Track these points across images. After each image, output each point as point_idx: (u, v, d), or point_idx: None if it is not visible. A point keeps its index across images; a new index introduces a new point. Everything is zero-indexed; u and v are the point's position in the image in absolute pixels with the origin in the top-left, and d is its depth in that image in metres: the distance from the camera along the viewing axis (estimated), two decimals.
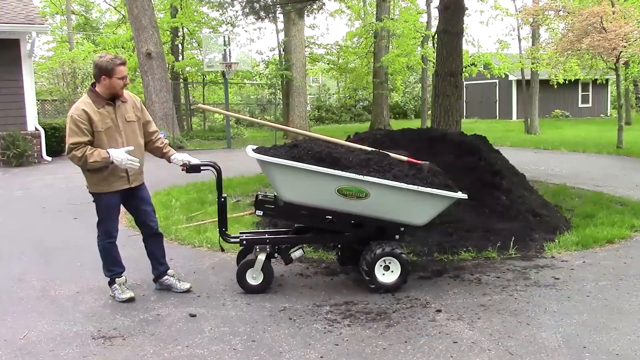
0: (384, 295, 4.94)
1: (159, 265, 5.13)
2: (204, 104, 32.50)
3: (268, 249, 5.04)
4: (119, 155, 4.56)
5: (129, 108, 4.80)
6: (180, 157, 4.98)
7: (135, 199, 4.93)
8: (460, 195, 5.01)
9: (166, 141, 5.17)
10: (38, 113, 16.67)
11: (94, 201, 4.82)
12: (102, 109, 4.62)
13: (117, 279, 4.90)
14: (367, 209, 4.91)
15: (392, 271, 5.00)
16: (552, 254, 6.20)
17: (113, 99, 4.70)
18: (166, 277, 5.12)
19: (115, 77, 4.61)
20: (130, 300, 4.82)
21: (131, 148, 4.67)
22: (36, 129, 15.16)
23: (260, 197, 5.17)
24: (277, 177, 4.85)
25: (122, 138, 4.69)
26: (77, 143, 4.51)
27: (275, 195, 5.11)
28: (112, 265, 4.90)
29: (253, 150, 5.08)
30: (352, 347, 3.96)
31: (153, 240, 5.11)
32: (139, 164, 4.70)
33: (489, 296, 4.93)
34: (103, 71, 4.60)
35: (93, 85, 4.70)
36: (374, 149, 5.31)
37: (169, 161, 5.04)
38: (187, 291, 5.06)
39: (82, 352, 3.93)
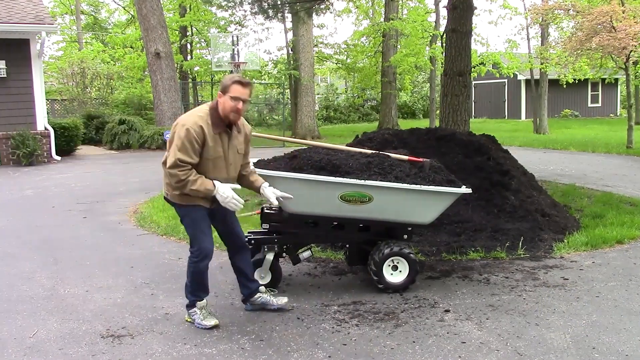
0: (392, 295, 4.93)
1: (249, 282, 4.61)
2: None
3: (276, 249, 5.05)
4: (225, 191, 4.10)
5: (241, 139, 4.34)
6: (271, 191, 4.44)
7: (220, 210, 4.31)
8: (464, 190, 5.00)
9: (253, 168, 4.66)
10: (47, 113, 16.77)
11: (181, 221, 4.37)
12: (217, 135, 4.12)
13: (198, 302, 4.36)
14: (372, 212, 4.89)
15: (400, 271, 4.99)
16: (561, 254, 6.18)
17: (229, 126, 4.20)
18: (259, 294, 4.63)
19: (228, 95, 4.10)
20: (215, 327, 4.27)
21: (238, 187, 4.29)
22: (46, 129, 15.25)
23: (265, 210, 5.16)
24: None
25: (227, 170, 4.24)
26: (185, 162, 3.99)
27: (279, 207, 5.11)
28: (199, 290, 4.36)
29: (253, 164, 5.05)
30: (360, 346, 3.96)
31: (242, 254, 4.61)
32: (242, 206, 4.21)
33: (498, 296, 4.91)
34: (222, 87, 4.15)
35: (217, 102, 4.20)
36: (374, 152, 5.28)
37: (258, 192, 4.56)
38: (283, 308, 4.62)
39: (90, 350, 3.95)
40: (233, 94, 4.09)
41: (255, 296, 4.62)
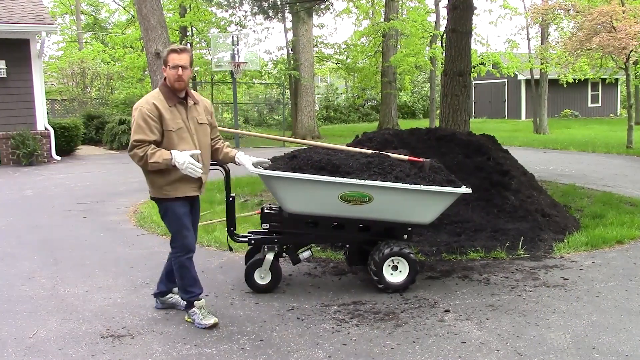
0: (392, 295, 4.93)
1: (169, 282, 4.65)
2: (212, 103, 32.57)
3: (276, 249, 5.05)
4: (181, 157, 4.11)
5: (200, 110, 4.40)
6: (247, 158, 4.60)
7: (193, 211, 4.48)
8: (464, 190, 5.00)
9: (227, 143, 4.77)
10: (47, 113, 16.77)
11: (162, 216, 4.38)
12: (174, 108, 4.22)
13: (196, 302, 4.37)
14: (372, 212, 4.90)
15: (400, 271, 4.99)
16: (561, 254, 6.18)
17: (186, 98, 4.30)
18: (171, 295, 4.73)
19: (168, 67, 4.20)
20: (215, 326, 4.29)
21: (198, 152, 4.25)
22: (46, 129, 15.25)
23: (265, 210, 5.17)
24: (279, 190, 4.83)
25: (194, 140, 4.29)
26: (141, 141, 4.09)
27: (279, 207, 5.11)
28: (191, 286, 4.37)
29: (253, 164, 5.06)
30: (360, 346, 3.96)
31: None
32: (200, 172, 4.21)
33: (498, 296, 4.91)
34: (162, 61, 4.24)
35: (165, 79, 4.30)
36: (374, 152, 5.29)
37: (234, 162, 4.66)
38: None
39: (91, 350, 3.95)
40: (171, 63, 4.20)
41: (167, 296, 4.71)
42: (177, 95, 4.27)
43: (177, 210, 4.30)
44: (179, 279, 4.40)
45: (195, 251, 4.43)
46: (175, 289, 4.73)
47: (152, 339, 4.12)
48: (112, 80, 25.81)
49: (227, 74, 26.94)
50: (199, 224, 7.40)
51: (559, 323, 4.33)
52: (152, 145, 4.14)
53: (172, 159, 4.13)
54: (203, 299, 4.44)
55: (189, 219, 4.39)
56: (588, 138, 21.05)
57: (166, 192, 4.28)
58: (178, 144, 4.21)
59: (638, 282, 5.27)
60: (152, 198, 4.43)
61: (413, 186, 4.84)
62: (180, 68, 4.20)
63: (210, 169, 5.03)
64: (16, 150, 14.45)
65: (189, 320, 4.40)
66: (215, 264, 5.97)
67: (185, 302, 4.45)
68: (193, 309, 4.37)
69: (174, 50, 4.23)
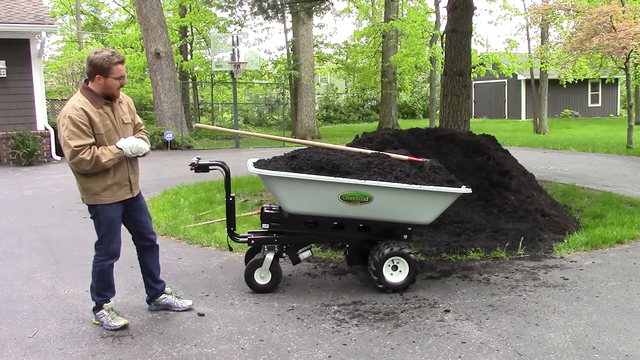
0: (392, 295, 4.93)
1: (155, 283, 4.64)
2: (212, 103, 32.60)
3: (276, 249, 5.05)
4: (128, 143, 4.16)
5: (125, 109, 4.35)
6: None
7: (134, 209, 4.44)
8: (464, 190, 4.99)
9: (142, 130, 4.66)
10: (48, 112, 16.75)
11: (92, 217, 4.30)
12: (101, 110, 4.13)
13: (105, 304, 4.34)
14: (372, 212, 4.89)
15: (400, 271, 4.99)
16: (561, 254, 6.18)
17: (109, 98, 4.22)
18: (164, 295, 4.68)
19: (111, 77, 4.09)
20: (125, 327, 4.28)
21: (133, 138, 4.26)
22: (46, 129, 15.25)
23: (265, 210, 5.17)
24: (279, 190, 4.83)
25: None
26: (82, 145, 3.98)
27: (279, 207, 5.11)
28: (105, 290, 4.35)
29: (253, 164, 5.06)
30: (360, 346, 3.95)
31: (150, 254, 4.60)
32: (148, 147, 4.30)
33: (498, 296, 4.91)
34: (98, 69, 4.06)
35: (86, 82, 4.18)
36: (374, 152, 5.29)
37: None
38: (189, 309, 4.64)
39: (91, 350, 3.95)
40: (119, 74, 4.13)
41: (160, 297, 4.65)
42: (102, 98, 4.18)
43: (110, 214, 4.25)
44: (94, 281, 4.34)
45: (119, 257, 4.37)
46: (168, 289, 4.72)
47: (152, 338, 4.12)
48: None
49: (227, 74, 26.97)
50: (199, 224, 7.45)
51: (559, 323, 4.33)
52: (94, 147, 4.05)
53: (122, 150, 4.13)
54: (112, 301, 4.40)
55: (119, 223, 4.35)
56: (588, 138, 21.05)
57: (103, 199, 4.21)
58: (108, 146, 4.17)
59: (638, 282, 5.27)
60: (88, 205, 4.31)
61: (413, 186, 4.83)
62: (123, 78, 4.20)
63: (211, 169, 5.06)
64: (16, 150, 14.45)
65: (96, 322, 4.36)
66: (215, 264, 5.96)
67: (95, 304, 4.38)
68: (101, 311, 4.33)
69: (120, 62, 4.15)
